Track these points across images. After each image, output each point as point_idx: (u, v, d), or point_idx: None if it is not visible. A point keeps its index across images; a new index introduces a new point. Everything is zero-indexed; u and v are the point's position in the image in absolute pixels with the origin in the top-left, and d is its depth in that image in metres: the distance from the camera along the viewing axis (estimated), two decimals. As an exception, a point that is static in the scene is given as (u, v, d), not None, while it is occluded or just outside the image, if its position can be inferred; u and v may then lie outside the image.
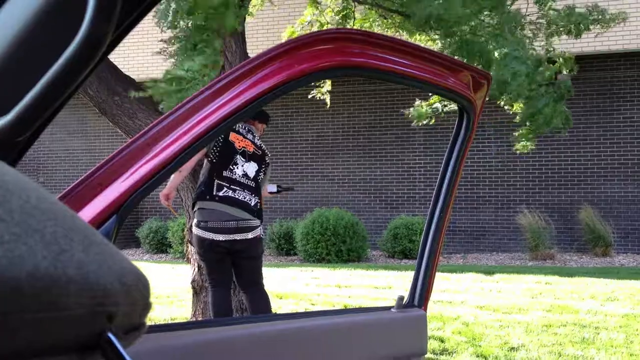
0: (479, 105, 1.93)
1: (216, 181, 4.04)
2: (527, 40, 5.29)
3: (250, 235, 4.05)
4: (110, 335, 0.46)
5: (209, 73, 3.21)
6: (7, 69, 0.71)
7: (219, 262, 4.11)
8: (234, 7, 3.22)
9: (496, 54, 4.26)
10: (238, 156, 4.10)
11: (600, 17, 5.42)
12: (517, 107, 5.71)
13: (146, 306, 0.50)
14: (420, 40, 5.78)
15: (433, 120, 6.11)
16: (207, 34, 3.26)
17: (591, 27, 5.38)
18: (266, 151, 4.29)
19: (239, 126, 4.20)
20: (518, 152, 5.93)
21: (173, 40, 3.43)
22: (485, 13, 4.51)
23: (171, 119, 1.42)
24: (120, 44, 0.85)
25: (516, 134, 5.58)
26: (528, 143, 5.54)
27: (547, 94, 4.79)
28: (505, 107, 5.68)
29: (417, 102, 6.09)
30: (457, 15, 3.92)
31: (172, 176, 4.01)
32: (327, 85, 7.32)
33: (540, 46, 5.55)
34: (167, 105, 3.30)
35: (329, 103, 7.52)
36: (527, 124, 5.04)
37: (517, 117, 5.23)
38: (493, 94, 4.31)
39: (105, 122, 5.62)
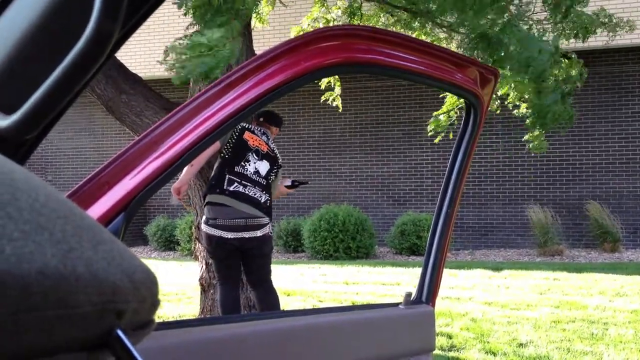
0: (486, 101, 1.93)
1: (227, 176, 4.03)
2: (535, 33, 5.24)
3: (259, 233, 4.05)
4: (120, 332, 0.46)
5: (230, 44, 3.15)
6: (14, 67, 0.71)
7: (228, 259, 4.11)
8: None
9: (511, 46, 4.19)
10: (251, 153, 4.10)
11: (607, 20, 5.42)
12: (524, 106, 5.66)
13: (155, 303, 0.50)
14: (428, 38, 5.76)
15: (451, 135, 6.08)
16: (226, 16, 3.22)
17: (598, 31, 5.39)
18: (278, 155, 4.30)
19: (254, 127, 4.21)
20: (534, 152, 5.85)
21: (192, 13, 3.36)
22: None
23: (178, 116, 1.42)
24: (127, 42, 0.85)
25: (526, 136, 5.53)
26: (538, 143, 5.44)
27: (557, 89, 4.74)
28: (511, 106, 5.65)
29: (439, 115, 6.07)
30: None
31: (184, 170, 3.91)
32: (337, 88, 7.05)
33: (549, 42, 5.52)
34: (184, 72, 3.21)
35: (341, 108, 7.43)
36: (532, 121, 4.96)
37: (527, 120, 5.13)
38: (517, 71, 4.18)
39: (113, 120, 5.63)
